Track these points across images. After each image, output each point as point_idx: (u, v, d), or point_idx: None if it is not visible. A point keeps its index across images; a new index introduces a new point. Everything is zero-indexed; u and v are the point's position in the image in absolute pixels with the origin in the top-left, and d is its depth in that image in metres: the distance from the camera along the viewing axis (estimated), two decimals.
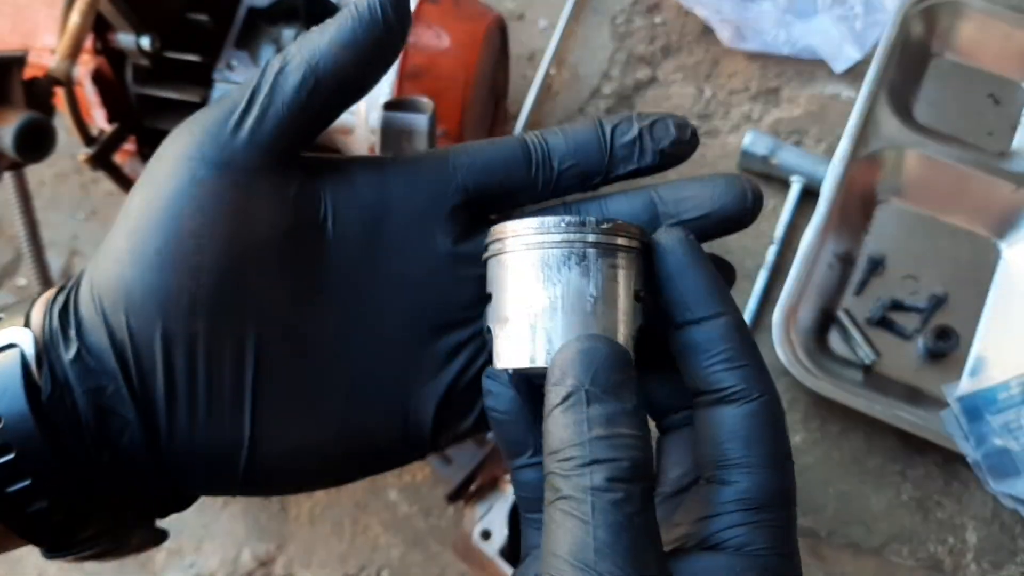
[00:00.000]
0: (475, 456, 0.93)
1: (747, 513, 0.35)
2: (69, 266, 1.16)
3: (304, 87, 0.37)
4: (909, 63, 1.13)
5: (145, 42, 0.83)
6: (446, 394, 0.41)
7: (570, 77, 1.20)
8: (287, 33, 0.91)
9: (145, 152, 0.92)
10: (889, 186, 1.09)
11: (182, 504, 0.42)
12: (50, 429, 0.36)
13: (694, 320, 0.37)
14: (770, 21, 1.16)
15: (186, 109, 0.86)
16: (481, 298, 0.41)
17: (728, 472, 0.36)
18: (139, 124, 0.91)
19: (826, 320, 1.07)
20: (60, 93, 0.78)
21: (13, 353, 0.36)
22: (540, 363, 0.37)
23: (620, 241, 0.37)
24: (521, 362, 0.37)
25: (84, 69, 0.83)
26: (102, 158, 0.87)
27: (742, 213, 0.41)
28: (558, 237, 0.37)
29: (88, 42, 0.82)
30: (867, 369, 1.05)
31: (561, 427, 0.34)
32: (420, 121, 0.76)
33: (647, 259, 0.38)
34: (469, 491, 0.94)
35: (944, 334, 1.04)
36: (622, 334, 0.37)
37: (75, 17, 0.74)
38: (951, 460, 1.02)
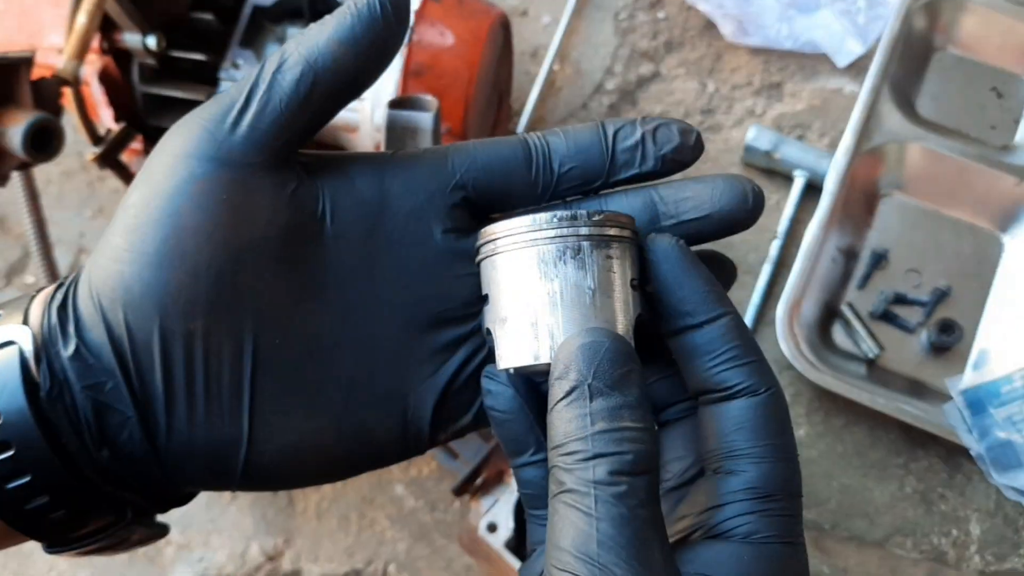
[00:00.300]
0: (481, 450, 0.94)
1: (754, 502, 0.36)
2: (76, 263, 1.17)
3: (302, 84, 0.37)
4: (912, 57, 1.13)
5: (151, 42, 0.83)
6: (444, 390, 0.41)
7: (573, 73, 1.20)
8: (292, 32, 0.92)
9: (151, 151, 0.93)
10: (892, 180, 1.10)
11: (181, 500, 0.42)
12: (49, 426, 0.36)
13: (695, 325, 0.38)
14: (773, 15, 1.16)
15: (192, 108, 0.87)
16: (478, 298, 0.41)
17: (735, 462, 0.36)
18: (145, 123, 0.91)
19: (829, 314, 1.07)
20: (67, 93, 0.79)
21: (12, 350, 0.37)
22: (544, 360, 0.37)
23: (613, 231, 0.38)
24: (525, 360, 0.37)
25: (91, 69, 0.84)
26: (109, 157, 0.88)
27: (743, 215, 0.41)
28: (551, 233, 0.37)
29: (95, 42, 0.83)
30: (870, 363, 1.05)
31: (565, 421, 0.34)
32: (424, 119, 0.77)
33: (639, 247, 0.39)
34: (475, 485, 0.95)
35: (947, 327, 1.05)
36: (622, 324, 0.37)
37: (82, 17, 0.75)
38: (954, 453, 1.03)
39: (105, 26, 0.83)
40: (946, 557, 1.01)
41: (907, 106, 1.11)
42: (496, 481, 0.94)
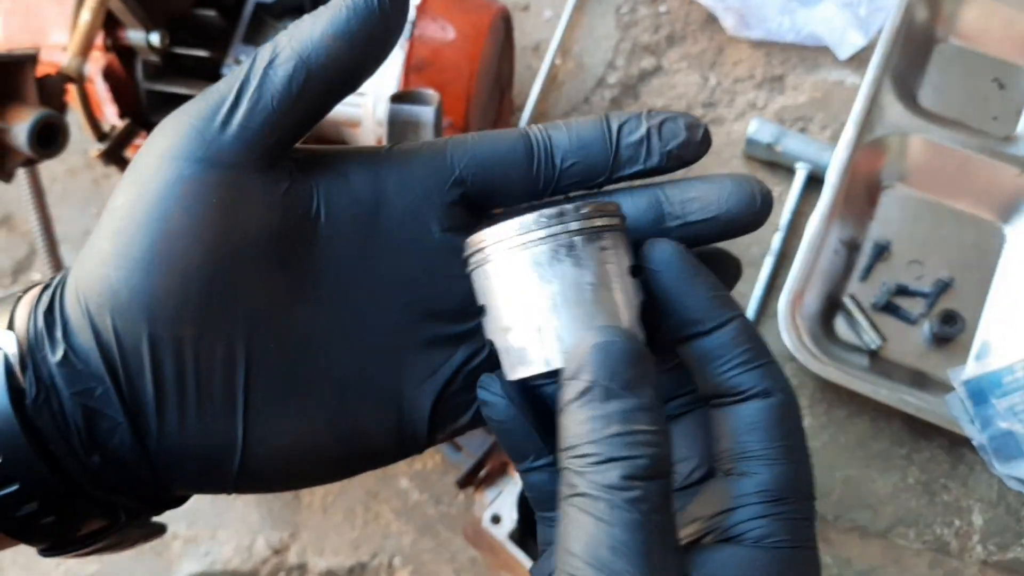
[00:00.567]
0: (484, 442, 0.95)
1: (768, 505, 0.35)
2: None
3: (295, 80, 0.36)
4: (913, 49, 1.13)
5: (155, 38, 0.84)
6: (443, 390, 0.40)
7: (575, 67, 1.20)
8: None
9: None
10: (894, 172, 1.10)
11: (175, 502, 0.41)
12: (36, 433, 0.35)
13: (703, 332, 0.37)
14: (774, 8, 1.16)
15: None
16: (479, 308, 0.40)
17: (748, 464, 0.36)
18: (149, 119, 0.92)
19: (832, 306, 1.08)
20: (71, 90, 0.79)
21: None
22: (556, 365, 0.36)
23: (601, 222, 0.37)
24: (536, 368, 0.36)
25: (95, 66, 0.84)
26: (114, 153, 0.89)
27: (751, 217, 0.39)
28: (542, 233, 0.36)
29: (98, 39, 0.83)
30: (873, 354, 1.05)
31: (577, 423, 0.33)
32: (426, 113, 0.77)
33: (627, 232, 0.38)
34: (479, 477, 0.95)
35: (949, 319, 1.05)
36: (627, 315, 0.36)
37: (86, 15, 0.76)
38: (957, 443, 1.03)
39: (109, 23, 0.83)
40: (949, 547, 1.02)
41: (909, 98, 1.11)
42: (500, 473, 0.94)
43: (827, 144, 1.11)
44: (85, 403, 0.35)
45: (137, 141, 0.93)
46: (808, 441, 0.37)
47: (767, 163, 1.14)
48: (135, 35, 0.84)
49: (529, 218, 0.36)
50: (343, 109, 0.82)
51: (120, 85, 0.86)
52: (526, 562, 0.90)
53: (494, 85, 0.97)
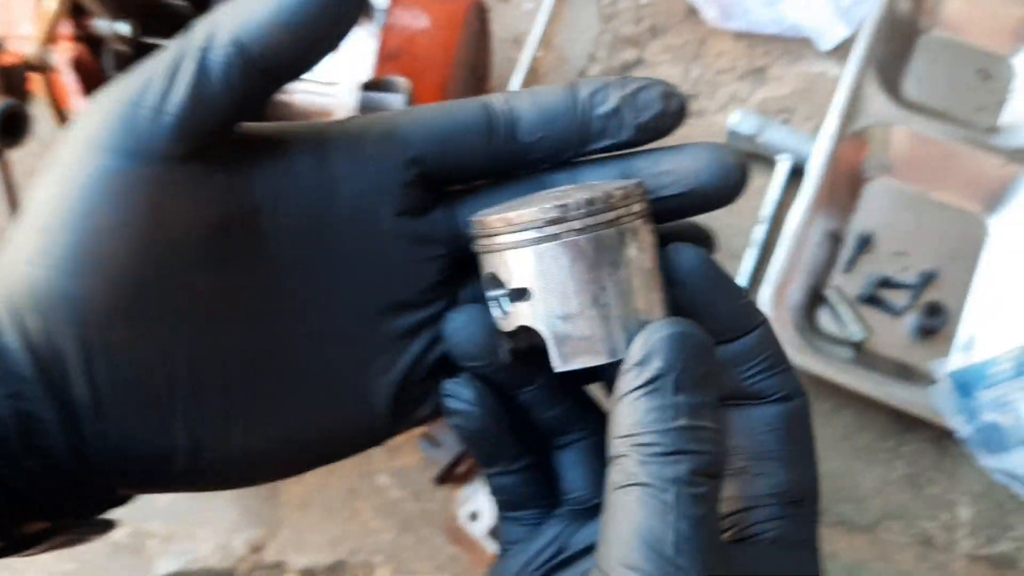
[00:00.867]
0: None
1: (784, 507, 0.35)
2: None
3: (231, 68, 0.33)
4: (897, 39, 1.12)
5: (122, 28, 0.82)
6: (403, 382, 0.39)
7: (556, 59, 1.19)
8: None
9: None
10: (877, 163, 1.09)
11: (120, 501, 0.39)
12: None
13: (729, 339, 0.36)
14: (757, 0, 1.15)
15: None
16: (440, 281, 0.38)
17: (765, 464, 0.36)
18: None
19: (815, 298, 1.07)
20: (37, 79, 0.78)
21: None
22: (621, 354, 0.34)
23: (645, 205, 0.35)
24: (600, 358, 0.35)
25: (63, 56, 0.83)
26: None
27: (727, 191, 0.38)
28: (610, 215, 0.34)
29: (66, 29, 0.82)
30: (857, 346, 1.04)
31: (641, 411, 0.32)
32: (398, 101, 0.76)
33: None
34: (456, 473, 0.94)
35: (934, 310, 1.04)
36: (667, 301, 0.35)
37: (50, 2, 0.74)
38: (942, 436, 1.02)
39: (75, 12, 0.82)
40: (935, 541, 1.00)
41: (892, 89, 1.10)
42: (477, 469, 0.93)
43: (810, 136, 1.10)
44: (17, 405, 0.33)
45: None
46: None
47: (750, 155, 1.12)
48: (103, 24, 0.82)
49: (599, 193, 0.34)
50: (314, 98, 0.81)
51: (88, 76, 0.85)
52: None
53: (470, 75, 0.96)
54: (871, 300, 1.06)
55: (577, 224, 0.34)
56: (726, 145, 0.38)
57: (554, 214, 0.34)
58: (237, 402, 0.36)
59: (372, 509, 1.03)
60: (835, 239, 1.08)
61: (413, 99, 0.75)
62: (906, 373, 1.03)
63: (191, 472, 0.36)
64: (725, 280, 0.36)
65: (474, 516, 0.91)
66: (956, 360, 1.01)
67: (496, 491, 0.39)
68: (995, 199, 1.07)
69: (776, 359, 0.36)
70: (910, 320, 1.05)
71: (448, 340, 0.38)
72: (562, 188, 0.38)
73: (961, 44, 1.15)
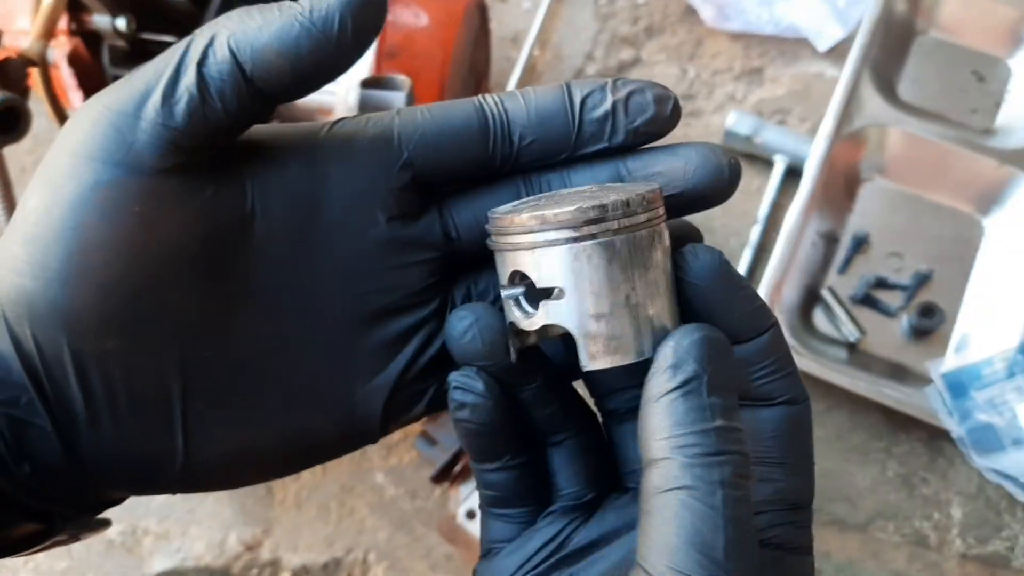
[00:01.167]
0: None
1: (788, 512, 0.35)
2: None
3: (227, 87, 0.33)
4: (893, 41, 1.13)
5: (121, 23, 0.82)
6: (396, 383, 0.38)
7: (553, 58, 1.19)
8: None
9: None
10: (873, 164, 1.09)
11: (113, 503, 0.39)
12: None
13: (740, 341, 0.36)
14: (753, 0, 1.15)
15: None
16: (433, 283, 0.38)
17: (768, 469, 0.36)
18: None
19: (810, 298, 1.07)
20: (35, 74, 0.77)
21: None
22: (649, 354, 0.34)
23: (663, 209, 0.35)
24: (628, 359, 0.35)
25: (60, 51, 0.83)
26: None
27: (718, 190, 0.37)
28: (642, 217, 0.34)
29: (64, 24, 0.82)
30: (852, 347, 1.05)
31: (680, 412, 0.32)
32: (397, 99, 0.76)
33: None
34: (453, 472, 0.94)
35: (928, 311, 1.04)
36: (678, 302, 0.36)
37: None
38: (936, 436, 1.03)
39: (74, 7, 0.81)
40: (928, 541, 1.01)
41: (888, 90, 1.10)
42: None
43: (806, 136, 1.10)
44: (10, 412, 0.33)
45: None
46: None
47: (746, 155, 1.13)
48: (101, 20, 0.82)
49: (634, 195, 0.34)
50: (315, 96, 0.81)
51: (86, 71, 0.85)
52: None
53: (469, 73, 0.96)
54: (866, 300, 1.06)
55: (614, 224, 0.34)
56: (718, 145, 0.38)
57: (593, 214, 0.34)
58: (229, 407, 0.36)
59: (367, 507, 1.03)
60: (830, 240, 1.09)
61: (414, 97, 0.75)
62: (900, 373, 1.04)
63: (183, 476, 0.36)
64: (740, 282, 0.36)
65: (472, 515, 0.91)
66: (950, 361, 1.02)
67: (488, 487, 0.39)
68: (989, 200, 1.07)
69: (784, 361, 0.36)
70: (904, 321, 1.06)
71: (453, 341, 0.38)
72: (583, 189, 0.38)
73: (956, 46, 1.16)
